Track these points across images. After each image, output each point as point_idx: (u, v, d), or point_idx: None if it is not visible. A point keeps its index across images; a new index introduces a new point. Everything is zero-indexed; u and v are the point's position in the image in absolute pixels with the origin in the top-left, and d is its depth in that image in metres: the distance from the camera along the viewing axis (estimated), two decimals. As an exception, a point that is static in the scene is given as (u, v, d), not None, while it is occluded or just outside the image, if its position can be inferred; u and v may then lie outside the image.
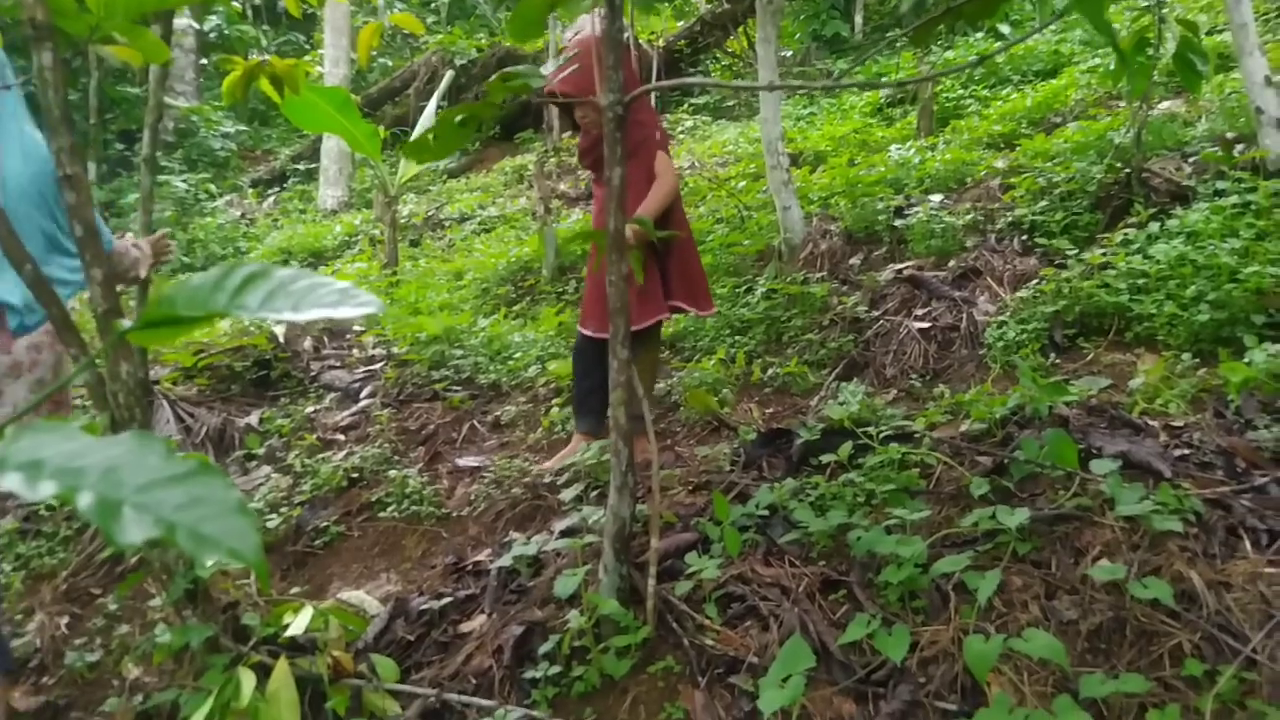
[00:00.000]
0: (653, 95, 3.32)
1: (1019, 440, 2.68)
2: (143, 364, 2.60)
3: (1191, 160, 4.54)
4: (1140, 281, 3.67)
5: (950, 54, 8.66)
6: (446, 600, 2.73)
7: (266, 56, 3.72)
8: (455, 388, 4.68)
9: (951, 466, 2.69)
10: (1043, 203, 4.52)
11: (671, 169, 3.56)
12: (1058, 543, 2.35)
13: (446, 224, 9.17)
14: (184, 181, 10.90)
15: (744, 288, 4.90)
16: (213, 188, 11.72)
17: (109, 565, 3.60)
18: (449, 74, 8.56)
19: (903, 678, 2.08)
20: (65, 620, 3.35)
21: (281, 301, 0.79)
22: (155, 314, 0.77)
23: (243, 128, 14.26)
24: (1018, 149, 5.45)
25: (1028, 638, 2.01)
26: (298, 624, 2.37)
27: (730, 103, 11.45)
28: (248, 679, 2.19)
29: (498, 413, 4.39)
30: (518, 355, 4.88)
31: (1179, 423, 2.87)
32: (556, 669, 2.30)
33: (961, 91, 7.80)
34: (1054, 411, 2.86)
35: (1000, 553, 2.33)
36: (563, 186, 9.21)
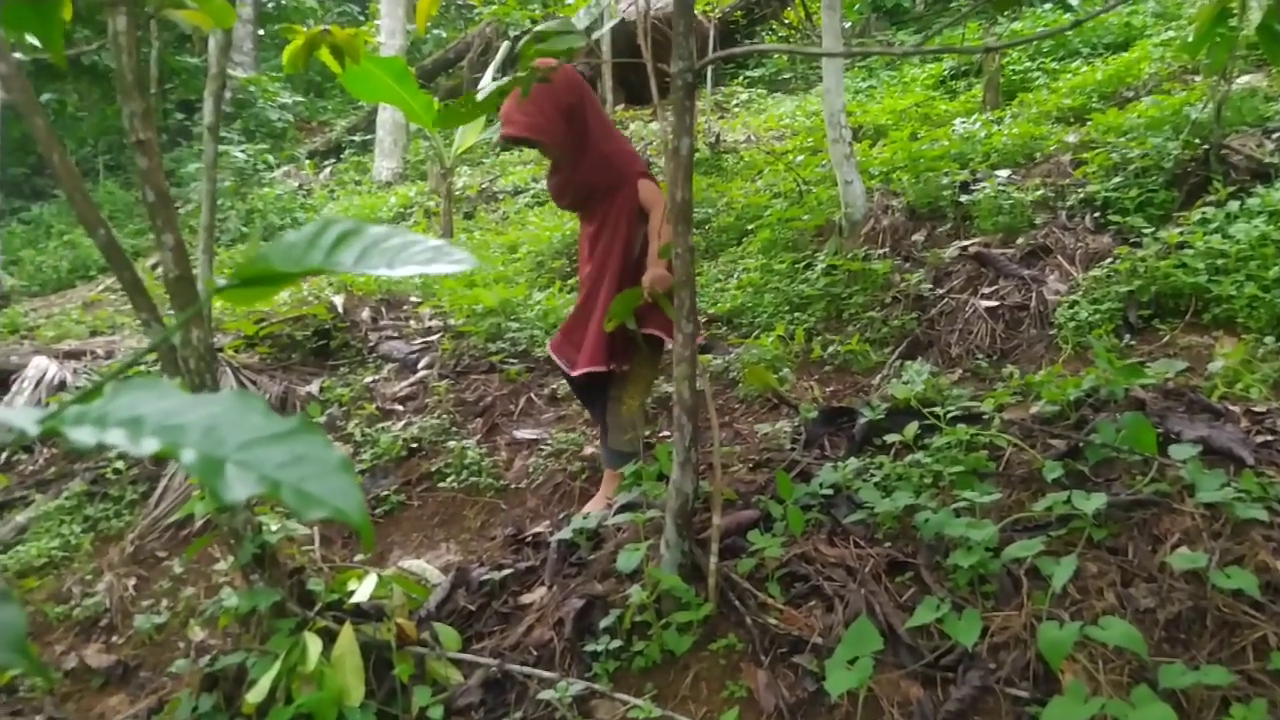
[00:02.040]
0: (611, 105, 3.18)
1: (1094, 423, 2.60)
2: (209, 330, 2.63)
3: (1274, 136, 4.36)
4: (1219, 262, 3.54)
5: (1018, 25, 8.41)
6: (507, 571, 2.74)
7: (327, 26, 3.72)
8: (511, 360, 4.69)
9: (1022, 449, 2.62)
10: (1116, 179, 4.37)
11: (661, 198, 3.10)
12: (1135, 529, 2.28)
13: (500, 196, 9.17)
14: (242, 151, 11.04)
15: (803, 263, 4.82)
16: (270, 158, 11.86)
17: (174, 529, 3.67)
18: (505, 45, 8.52)
19: (973, 663, 2.03)
20: (133, 582, 3.43)
21: (376, 258, 0.77)
22: (250, 271, 0.75)
23: (299, 99, 14.39)
24: (1089, 123, 5.28)
25: (1104, 625, 1.96)
26: (362, 591, 2.39)
27: (786, 75, 11.27)
28: (314, 644, 2.22)
29: (554, 386, 4.39)
30: (573, 329, 4.86)
31: (1261, 408, 2.76)
32: (617, 643, 2.29)
33: (1029, 64, 7.58)
34: (1130, 394, 2.78)
35: (1075, 538, 2.26)
36: (617, 160, 9.15)
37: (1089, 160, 4.60)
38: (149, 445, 0.63)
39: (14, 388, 5.06)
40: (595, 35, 8.09)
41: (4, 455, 4.69)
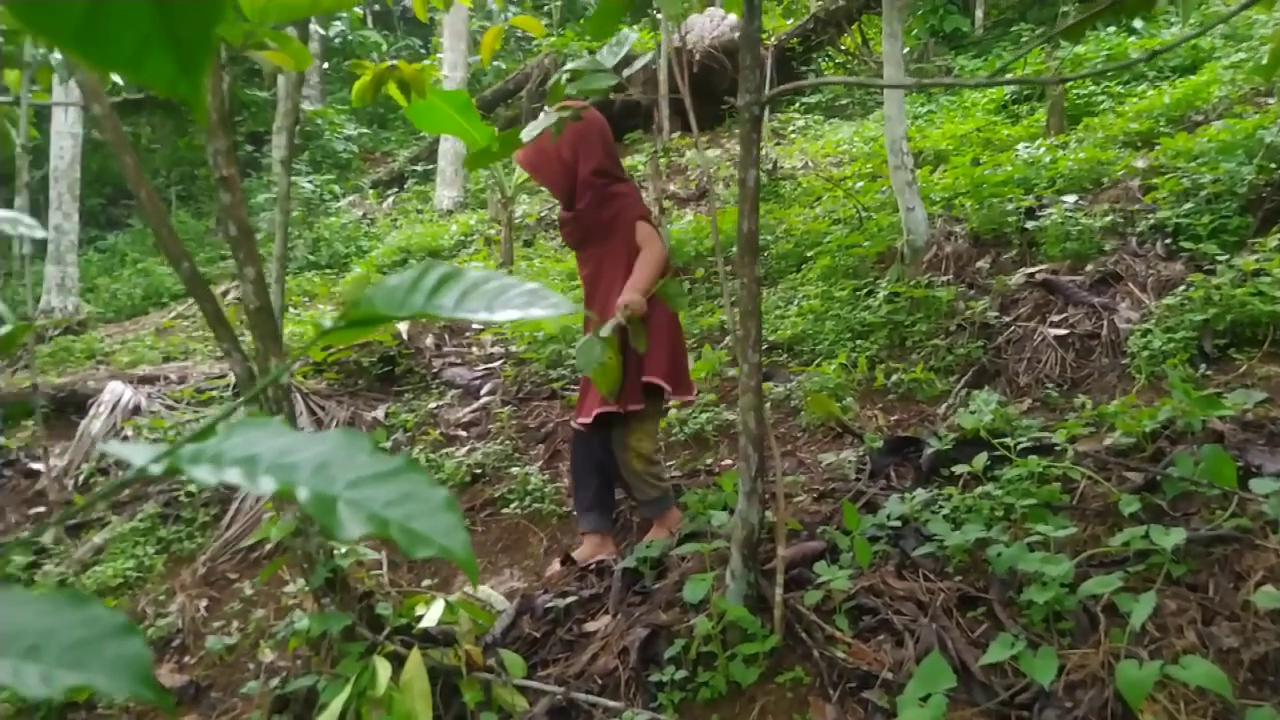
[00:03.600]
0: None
1: (1172, 456, 2.54)
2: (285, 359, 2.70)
3: (1354, 160, 4.24)
4: (1298, 290, 3.44)
5: (1080, 49, 8.30)
6: (571, 599, 2.74)
7: (394, 61, 3.81)
8: (572, 387, 4.71)
9: (1097, 482, 2.56)
10: (1187, 205, 4.28)
11: (656, 237, 3.15)
12: (1216, 565, 2.22)
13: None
14: (310, 182, 11.32)
15: (865, 290, 4.79)
16: (336, 188, 12.15)
17: (244, 551, 3.75)
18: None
19: (1048, 702, 1.99)
20: (204, 603, 3.51)
21: (475, 302, 0.79)
22: (356, 314, 0.78)
23: (364, 130, 14.75)
24: (1157, 148, 5.18)
25: (1186, 665, 1.91)
26: (430, 616, 2.42)
27: (843, 101, 11.25)
28: (383, 668, 2.24)
29: (614, 413, 4.40)
30: (633, 356, 4.88)
31: (1345, 441, 2.67)
32: (683, 673, 2.28)
33: (1093, 88, 7.46)
34: (1207, 426, 2.70)
35: (1153, 574, 2.21)
36: (673, 187, 9.21)
37: (1159, 186, 4.51)
38: (266, 484, 0.65)
39: (91, 411, 5.23)
40: (628, 71, 8.17)
41: (82, 478, 4.84)
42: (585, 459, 3.25)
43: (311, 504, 0.65)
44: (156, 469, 0.69)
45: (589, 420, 3.11)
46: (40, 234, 1.02)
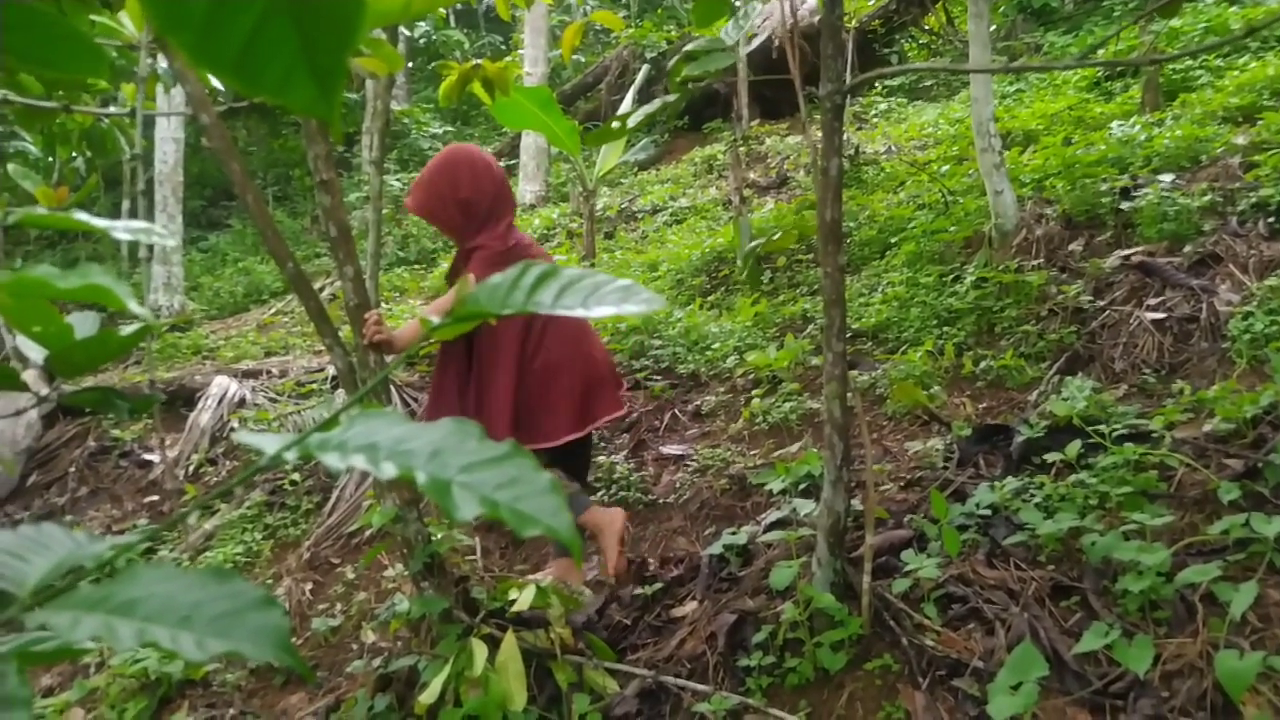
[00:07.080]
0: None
1: (1274, 442, 2.47)
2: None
3: None
4: None
5: (1176, 22, 7.98)
6: (658, 585, 2.79)
7: (479, 61, 3.89)
8: (655, 377, 4.77)
9: (1195, 469, 2.50)
10: (1293, 182, 4.10)
11: (469, 282, 2.71)
12: (1323, 555, 2.15)
13: (639, 216, 9.33)
14: (398, 180, 11.61)
15: (951, 276, 4.72)
16: (423, 185, 12.41)
17: (346, 537, 3.91)
18: (645, 68, 8.68)
19: (1144, 691, 1.96)
20: (309, 586, 3.67)
21: (572, 298, 0.84)
22: (462, 311, 0.84)
23: (449, 128, 15.04)
24: (1259, 123, 4.97)
25: (1291, 657, 1.86)
26: (523, 600, 2.49)
27: (927, 83, 11.04)
28: (480, 650, 2.33)
29: (698, 402, 4.44)
30: (715, 346, 4.91)
31: None
32: (770, 659, 2.31)
33: (1190, 62, 7.18)
34: (1314, 411, 2.61)
35: (1254, 564, 2.15)
36: (753, 175, 9.17)
37: (1261, 163, 4.33)
38: (388, 469, 0.71)
39: (199, 405, 5.50)
40: (748, 49, 8.16)
41: (192, 468, 5.10)
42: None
43: (429, 487, 0.71)
44: (291, 456, 0.75)
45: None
46: (171, 241, 1.10)
